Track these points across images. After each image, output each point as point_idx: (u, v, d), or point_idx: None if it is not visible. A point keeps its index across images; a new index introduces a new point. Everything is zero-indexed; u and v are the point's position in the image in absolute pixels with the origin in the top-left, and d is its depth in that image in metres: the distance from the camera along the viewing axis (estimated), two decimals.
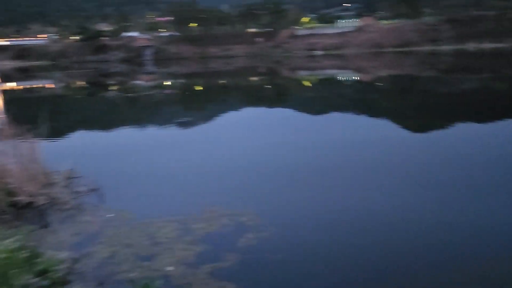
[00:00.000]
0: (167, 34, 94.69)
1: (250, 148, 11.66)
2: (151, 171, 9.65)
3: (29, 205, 6.85)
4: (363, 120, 16.38)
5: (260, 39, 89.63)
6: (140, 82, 43.50)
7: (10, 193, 6.85)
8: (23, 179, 7.12)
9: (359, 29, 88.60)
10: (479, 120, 15.09)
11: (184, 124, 16.84)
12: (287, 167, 9.56)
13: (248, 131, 14.53)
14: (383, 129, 13.97)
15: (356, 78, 37.61)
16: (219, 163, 10.08)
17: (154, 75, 51.41)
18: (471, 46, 75.44)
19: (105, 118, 21.01)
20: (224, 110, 20.94)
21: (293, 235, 6.02)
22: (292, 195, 7.69)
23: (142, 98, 28.52)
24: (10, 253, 3.59)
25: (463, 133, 12.85)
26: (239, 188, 8.15)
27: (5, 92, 39.61)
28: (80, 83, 46.36)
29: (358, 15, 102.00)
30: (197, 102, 25.49)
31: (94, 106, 26.72)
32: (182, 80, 42.69)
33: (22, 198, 6.84)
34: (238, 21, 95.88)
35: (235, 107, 22.32)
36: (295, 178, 8.77)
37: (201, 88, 34.76)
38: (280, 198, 7.58)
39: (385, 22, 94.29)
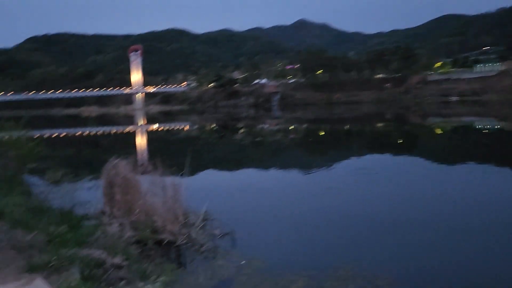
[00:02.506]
0: (293, 81, 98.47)
1: (381, 200, 10.93)
2: (279, 217, 9.64)
3: (170, 243, 7.32)
4: (503, 174, 14.25)
5: (388, 85, 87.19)
6: (266, 126, 45.40)
7: (155, 231, 7.43)
8: (166, 217, 7.68)
9: (502, 74, 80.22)
10: None
11: (307, 170, 16.76)
12: (423, 224, 8.66)
13: (372, 180, 13.73)
14: None
15: (498, 126, 33.63)
16: (349, 216, 9.60)
17: (279, 120, 53.27)
18: None
19: (233, 160, 22.13)
20: (347, 157, 20.34)
21: None
22: (432, 259, 6.85)
23: (268, 142, 29.55)
24: None
25: None
26: (374, 246, 7.56)
27: (149, 132, 45.14)
28: (213, 125, 50.36)
29: (501, 58, 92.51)
30: (320, 148, 25.40)
31: (223, 147, 28.53)
32: (306, 125, 43.33)
33: (166, 237, 7.35)
34: (365, 67, 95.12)
35: (359, 153, 21.53)
36: (435, 237, 7.85)
37: (324, 134, 34.72)
38: (422, 261, 6.80)
39: None
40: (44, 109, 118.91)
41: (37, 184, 13.98)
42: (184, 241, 7.41)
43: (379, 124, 41.27)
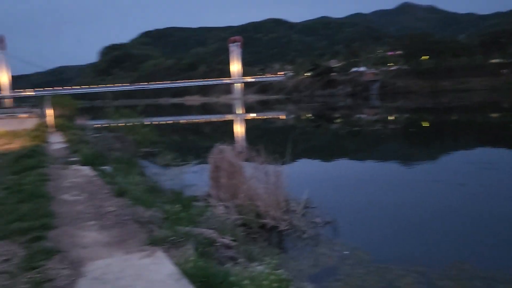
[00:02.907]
0: (394, 68, 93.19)
1: (497, 197, 9.89)
2: (382, 208, 9.28)
3: (273, 228, 7.49)
4: None
5: (506, 71, 78.09)
6: (364, 116, 43.82)
7: (259, 215, 7.65)
8: (269, 203, 7.86)
9: None
10: None
11: (410, 162, 15.82)
12: None
13: (486, 175, 12.41)
14: None
15: None
16: (460, 211, 8.87)
17: (379, 109, 51.04)
18: None
19: (330, 149, 21.81)
20: (456, 149, 18.73)
21: None
22: None
23: (366, 132, 28.53)
24: (279, 283, 3.88)
25: None
26: (496, 244, 6.88)
27: (247, 120, 46.46)
28: (308, 115, 50.06)
29: None
30: (424, 139, 23.77)
31: (320, 137, 28.23)
32: (408, 115, 40.85)
33: (269, 221, 7.54)
34: (478, 51, 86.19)
35: (470, 146, 19.67)
36: None
37: (429, 125, 32.38)
38: None
39: None
40: (153, 98, 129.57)
41: (150, 166, 15.28)
42: (287, 227, 7.52)
43: (494, 115, 37.27)
